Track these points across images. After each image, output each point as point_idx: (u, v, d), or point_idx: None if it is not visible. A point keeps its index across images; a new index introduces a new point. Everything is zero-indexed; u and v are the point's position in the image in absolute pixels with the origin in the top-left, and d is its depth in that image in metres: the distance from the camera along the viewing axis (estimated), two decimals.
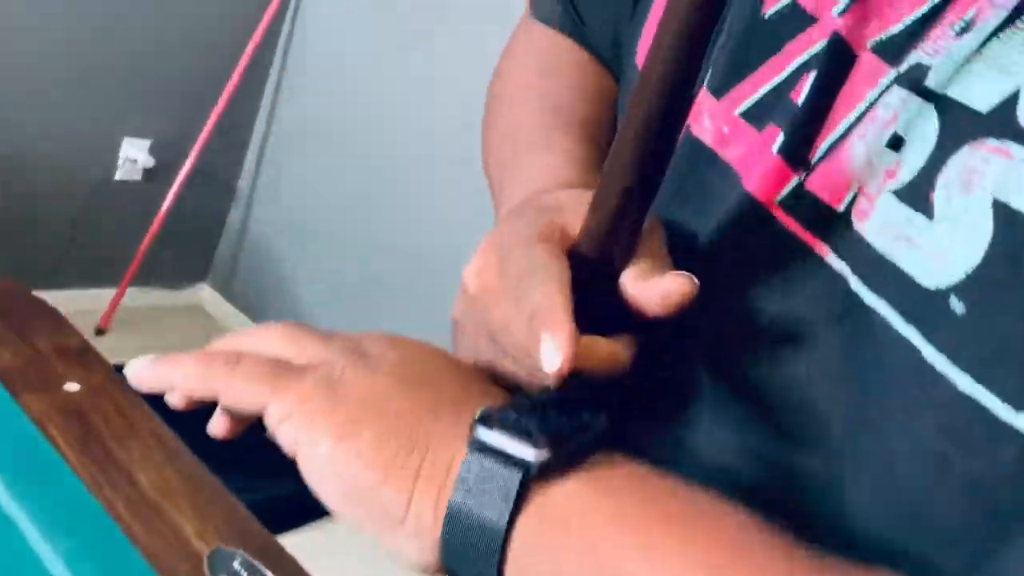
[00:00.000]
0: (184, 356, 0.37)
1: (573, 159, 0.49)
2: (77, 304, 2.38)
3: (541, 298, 0.34)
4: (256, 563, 0.61)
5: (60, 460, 0.64)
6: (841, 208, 0.36)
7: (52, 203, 2.27)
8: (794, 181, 0.37)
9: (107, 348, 2.37)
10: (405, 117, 2.28)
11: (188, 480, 0.67)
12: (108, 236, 2.42)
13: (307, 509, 1.85)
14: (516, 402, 0.33)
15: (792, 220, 0.38)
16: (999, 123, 0.31)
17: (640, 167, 0.36)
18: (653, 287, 0.35)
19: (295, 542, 2.09)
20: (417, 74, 2.25)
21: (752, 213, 0.38)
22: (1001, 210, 0.30)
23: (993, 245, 0.30)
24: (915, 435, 0.32)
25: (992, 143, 0.31)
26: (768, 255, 0.38)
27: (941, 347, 0.31)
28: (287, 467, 1.44)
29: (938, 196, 0.32)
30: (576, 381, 0.35)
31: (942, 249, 0.31)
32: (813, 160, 0.37)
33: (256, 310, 2.61)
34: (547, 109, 0.54)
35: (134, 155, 2.34)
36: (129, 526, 0.60)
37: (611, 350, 0.36)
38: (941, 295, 0.31)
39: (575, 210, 0.38)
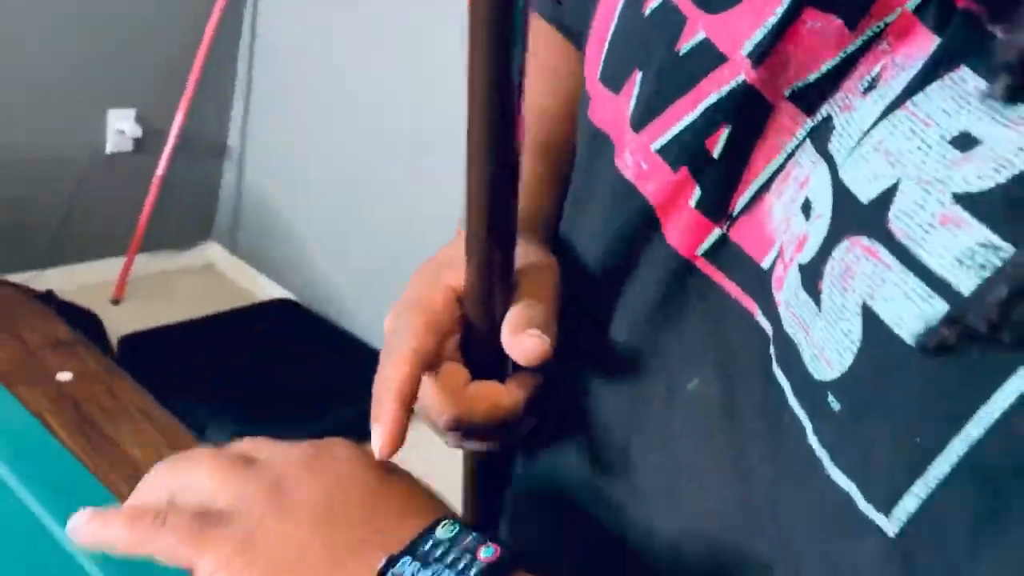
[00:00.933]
0: (115, 515, 0.37)
1: (527, 190, 0.49)
2: (88, 277, 2.47)
3: (385, 373, 0.38)
4: None
5: (59, 446, 0.71)
6: (765, 265, 0.36)
7: (48, 184, 2.32)
8: (716, 233, 0.38)
9: (125, 317, 2.45)
10: (383, 53, 2.29)
11: (177, 450, 0.74)
12: (109, 208, 2.47)
13: None
14: (415, 548, 0.34)
15: (716, 271, 0.38)
16: (873, 220, 0.30)
17: (490, 224, 0.38)
18: (516, 345, 0.39)
19: None
20: (393, 9, 2.25)
21: (675, 267, 0.39)
22: (868, 315, 0.30)
23: (861, 352, 0.30)
24: (798, 510, 0.34)
25: (864, 242, 0.31)
26: (695, 307, 0.39)
27: (820, 437, 0.32)
28: (305, 419, 1.53)
29: (824, 287, 0.32)
30: (470, 430, 0.40)
31: (824, 345, 0.32)
32: (734, 212, 0.37)
33: (263, 261, 2.68)
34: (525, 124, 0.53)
35: (121, 126, 2.38)
36: (126, 498, 0.67)
37: (495, 399, 0.40)
38: (822, 388, 0.32)
39: (463, 264, 0.40)
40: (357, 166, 2.42)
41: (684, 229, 0.39)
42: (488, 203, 0.37)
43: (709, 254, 0.38)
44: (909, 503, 0.29)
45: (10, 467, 0.68)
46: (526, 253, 0.43)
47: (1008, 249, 0.27)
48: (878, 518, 0.30)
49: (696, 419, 0.39)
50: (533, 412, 0.43)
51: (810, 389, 0.32)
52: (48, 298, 2.28)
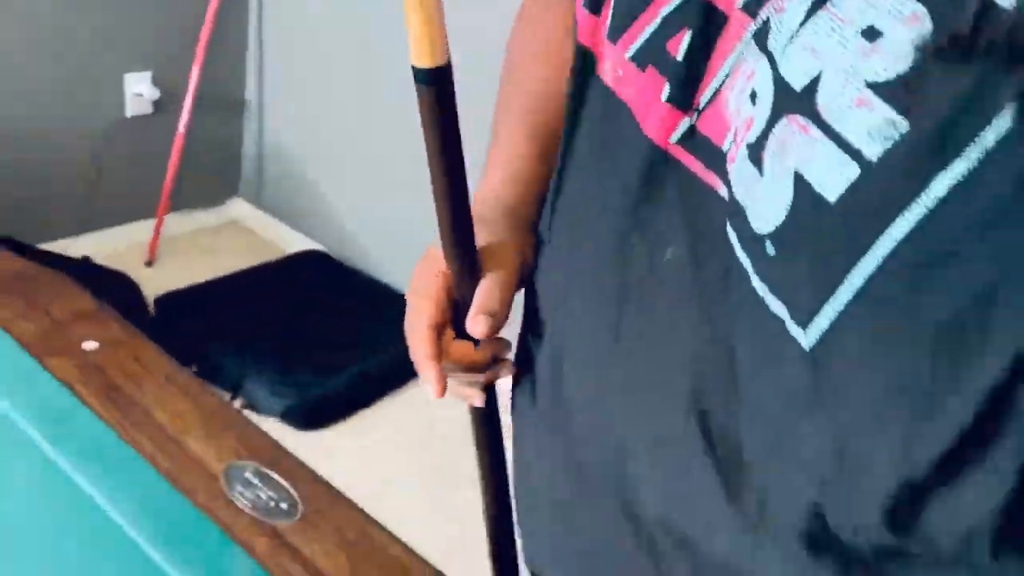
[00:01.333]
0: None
1: (513, 177, 0.63)
2: (121, 241, 2.52)
3: (414, 344, 0.56)
4: (266, 471, 0.72)
5: (88, 412, 0.75)
6: (725, 148, 0.43)
7: (72, 152, 2.36)
8: (685, 122, 0.45)
9: (159, 278, 2.51)
10: None
11: (201, 411, 0.77)
12: (135, 171, 2.51)
13: (358, 401, 1.99)
14: None
15: (687, 155, 0.45)
16: (805, 103, 0.37)
17: (456, 245, 0.55)
18: (472, 326, 0.56)
19: (348, 425, 2.23)
20: None
21: (653, 156, 0.46)
22: (799, 179, 0.38)
23: (792, 208, 0.38)
24: (745, 345, 0.42)
25: (799, 120, 0.37)
26: (669, 189, 0.46)
27: (760, 276, 0.40)
28: (340, 367, 1.61)
29: (766, 157, 0.39)
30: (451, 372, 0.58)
31: (764, 204, 0.39)
32: (700, 106, 0.44)
33: (290, 213, 2.71)
34: (524, 106, 0.65)
35: (139, 89, 2.40)
36: (153, 457, 0.71)
37: (464, 355, 0.57)
38: (761, 239, 0.40)
39: None
40: (376, 112, 2.43)
41: (659, 121, 0.46)
42: (450, 221, 0.54)
43: (680, 141, 0.45)
44: (822, 321, 0.38)
45: (43, 435, 0.72)
46: (497, 233, 0.58)
47: (904, 125, 0.34)
48: (799, 334, 0.39)
49: (673, 283, 0.46)
50: (498, 363, 0.60)
51: (753, 241, 0.40)
52: (84, 264, 2.34)
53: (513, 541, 0.71)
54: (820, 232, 0.37)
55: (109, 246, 2.48)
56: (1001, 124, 0.32)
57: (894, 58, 0.34)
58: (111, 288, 2.25)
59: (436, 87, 0.50)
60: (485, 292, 0.56)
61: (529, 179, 0.62)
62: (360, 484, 1.92)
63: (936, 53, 0.33)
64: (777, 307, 0.40)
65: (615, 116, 0.48)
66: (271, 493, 0.70)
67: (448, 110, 0.51)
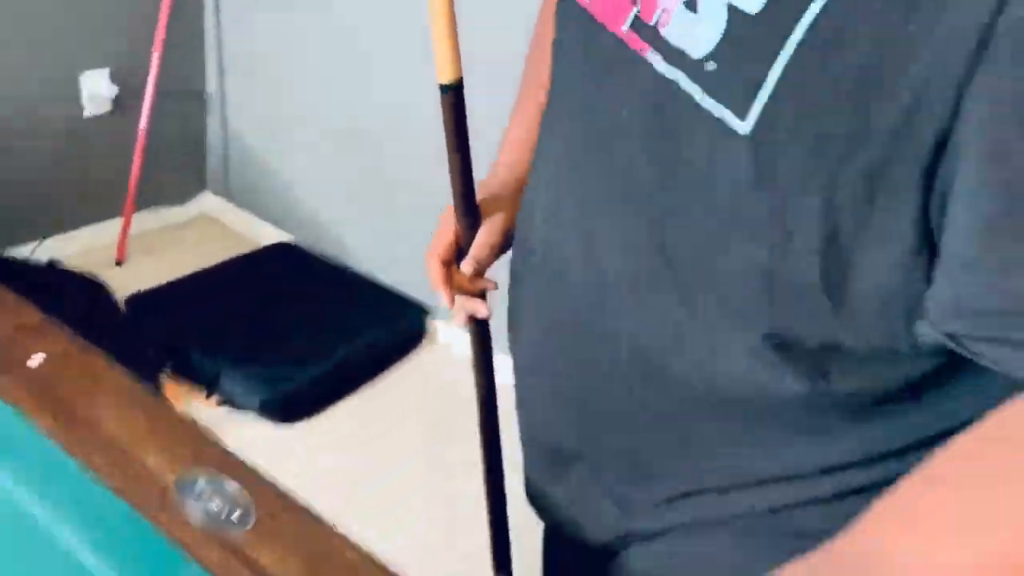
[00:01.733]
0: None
1: (518, 146, 0.82)
2: (90, 242, 2.49)
3: (430, 273, 0.80)
4: (218, 480, 0.71)
5: (34, 431, 0.74)
6: (652, 22, 0.55)
7: (31, 156, 2.32)
8: (633, 12, 0.57)
9: (130, 277, 2.47)
10: None
11: (151, 419, 0.76)
12: (98, 171, 2.47)
13: (335, 392, 1.97)
14: None
15: (633, 35, 0.57)
16: None
17: (463, 205, 0.79)
18: (464, 267, 0.80)
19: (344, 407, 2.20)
20: None
21: (614, 45, 0.58)
22: (730, 8, 0.49)
23: (725, 29, 0.50)
24: (691, 151, 0.52)
25: None
26: (623, 67, 0.57)
27: (704, 88, 0.51)
28: (315, 358, 1.64)
29: (700, 2, 0.51)
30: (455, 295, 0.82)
31: (701, 36, 0.51)
32: None
33: (259, 205, 2.69)
34: (538, 78, 0.77)
35: (96, 88, 2.36)
36: (104, 473, 0.70)
37: (467, 287, 0.82)
38: (701, 61, 0.51)
39: None
40: (339, 98, 2.40)
41: (616, 17, 0.58)
42: (460, 189, 0.78)
43: (632, 27, 0.57)
44: (756, 107, 0.48)
45: None
46: (495, 192, 0.80)
47: None
48: (739, 125, 0.49)
49: (632, 132, 0.57)
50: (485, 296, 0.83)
51: (695, 67, 0.51)
52: (49, 270, 2.31)
53: (499, 445, 0.91)
54: (747, 39, 0.48)
55: (77, 247, 2.45)
56: None
57: None
58: (78, 291, 2.23)
59: (454, 94, 0.74)
60: (476, 243, 0.79)
61: (527, 147, 0.77)
62: (339, 475, 1.91)
63: None
64: (719, 111, 0.49)
65: (588, 25, 0.60)
66: (222, 504, 0.69)
67: (461, 110, 0.75)
